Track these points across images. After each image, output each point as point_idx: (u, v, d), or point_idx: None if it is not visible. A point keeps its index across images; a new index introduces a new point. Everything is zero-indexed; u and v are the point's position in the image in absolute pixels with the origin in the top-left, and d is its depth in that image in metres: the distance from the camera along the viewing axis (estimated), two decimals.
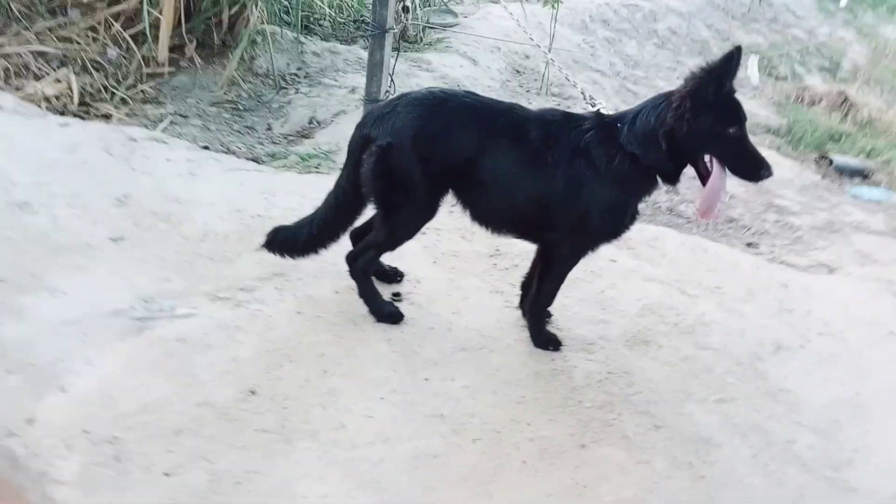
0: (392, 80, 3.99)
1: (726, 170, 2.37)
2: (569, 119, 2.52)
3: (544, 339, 2.73)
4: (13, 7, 4.55)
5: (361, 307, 2.68)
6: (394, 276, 2.90)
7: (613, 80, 7.69)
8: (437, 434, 2.23)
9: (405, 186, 2.49)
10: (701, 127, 2.30)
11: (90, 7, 4.79)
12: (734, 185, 5.95)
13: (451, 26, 6.77)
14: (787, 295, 3.64)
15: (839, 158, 6.63)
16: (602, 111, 2.55)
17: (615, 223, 2.53)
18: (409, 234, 2.62)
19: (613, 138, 2.41)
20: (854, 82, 10.06)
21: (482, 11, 7.60)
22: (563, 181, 2.44)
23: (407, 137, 2.44)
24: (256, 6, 4.89)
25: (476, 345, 2.65)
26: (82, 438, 1.94)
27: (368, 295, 2.67)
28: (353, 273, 2.66)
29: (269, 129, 4.68)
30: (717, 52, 9.84)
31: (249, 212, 3.13)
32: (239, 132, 4.57)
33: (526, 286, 2.79)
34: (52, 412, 2.01)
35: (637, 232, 3.95)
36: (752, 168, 2.38)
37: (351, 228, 2.71)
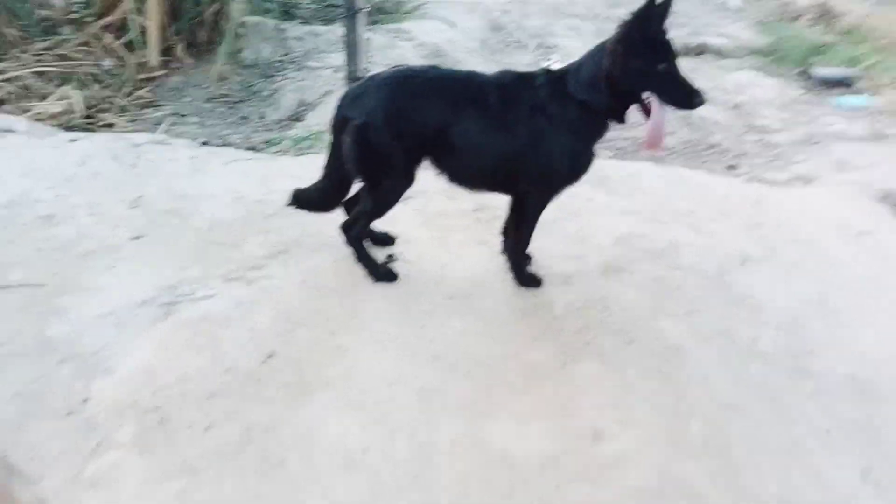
0: (370, 56, 4.24)
1: (663, 104, 2.60)
2: (522, 78, 2.77)
3: (526, 279, 3.03)
4: (8, 34, 4.85)
5: (359, 272, 2.99)
6: (387, 240, 3.21)
7: (591, 24, 7.82)
8: (435, 372, 2.56)
9: (383, 160, 2.76)
10: (633, 67, 2.54)
11: (81, 23, 5.08)
12: (714, 112, 6.19)
13: None
14: (759, 210, 3.89)
15: (821, 70, 6.78)
16: (551, 67, 2.79)
17: (575, 167, 2.79)
18: (393, 201, 2.90)
19: (563, 91, 2.67)
20: None
21: None
22: (524, 136, 2.70)
23: (380, 115, 2.69)
24: (236, 1, 5.13)
25: (465, 292, 2.96)
26: (131, 410, 2.29)
27: (364, 259, 2.99)
28: (349, 241, 2.98)
29: (262, 117, 4.96)
30: None
31: (251, 198, 3.44)
32: (234, 124, 4.86)
33: (505, 232, 3.08)
34: (102, 392, 2.36)
35: (615, 170, 4.24)
36: (685, 97, 2.58)
37: (346, 196, 3.01)
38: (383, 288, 2.95)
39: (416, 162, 2.84)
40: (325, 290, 2.91)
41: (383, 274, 3.00)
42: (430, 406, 2.42)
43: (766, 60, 7.27)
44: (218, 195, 3.42)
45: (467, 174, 2.87)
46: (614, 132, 5.32)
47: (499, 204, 3.55)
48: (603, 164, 4.22)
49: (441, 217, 3.42)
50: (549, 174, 2.78)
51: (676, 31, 8.20)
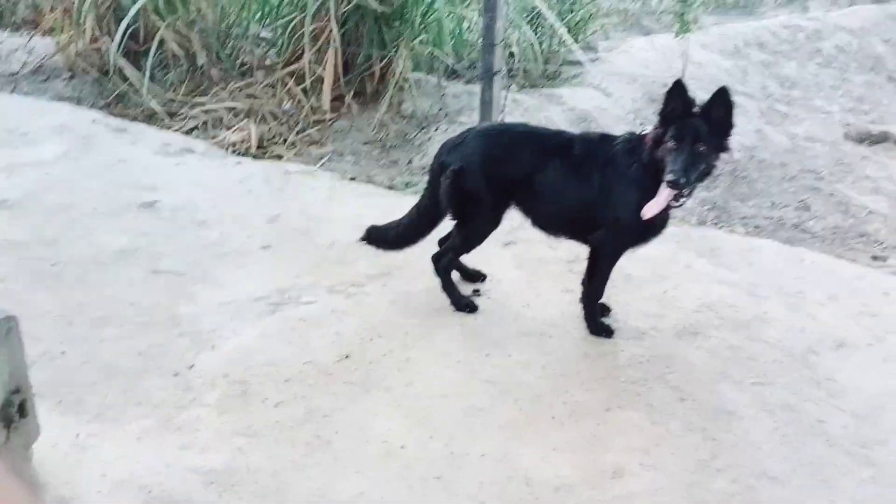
0: (503, 117, 4.61)
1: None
2: (604, 138, 3.06)
3: (597, 328, 3.19)
4: (213, 73, 5.76)
5: (444, 300, 3.30)
6: (476, 276, 3.50)
7: (761, 103, 7.73)
8: (487, 394, 2.78)
9: (475, 202, 3.12)
10: (655, 138, 2.80)
11: (271, 69, 5.91)
12: (875, 200, 5.93)
13: (591, 61, 7.25)
14: (881, 301, 3.73)
15: None
16: (635, 132, 3.04)
17: (641, 222, 2.92)
18: (479, 240, 3.23)
19: (635, 151, 2.90)
20: None
21: (624, 45, 7.99)
22: (597, 186, 2.97)
23: (475, 162, 3.07)
24: (402, 59, 5.72)
25: (537, 331, 3.17)
26: (222, 379, 2.74)
27: (448, 289, 3.30)
28: (437, 271, 3.31)
29: (410, 162, 5.46)
30: (894, 66, 9.48)
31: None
32: (384, 166, 5.38)
33: (584, 282, 3.21)
34: (205, 362, 2.83)
35: (731, 243, 4.24)
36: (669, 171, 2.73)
37: (427, 235, 3.33)
38: (463, 317, 3.22)
39: (505, 206, 3.16)
40: (410, 310, 3.24)
41: (464, 304, 3.29)
42: (472, 421, 2.64)
43: None
44: (343, 220, 3.89)
45: (547, 219, 3.16)
46: (752, 209, 5.31)
47: None
48: (717, 235, 4.27)
49: (536, 263, 3.65)
50: (617, 225, 2.98)
51: (859, 116, 7.89)
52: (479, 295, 3.38)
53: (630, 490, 2.36)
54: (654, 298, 3.41)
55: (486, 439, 2.56)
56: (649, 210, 2.80)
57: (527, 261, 3.68)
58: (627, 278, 3.57)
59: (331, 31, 5.44)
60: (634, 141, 2.93)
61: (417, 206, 3.31)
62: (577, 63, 7.18)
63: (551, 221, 3.17)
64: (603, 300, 3.27)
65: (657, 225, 2.98)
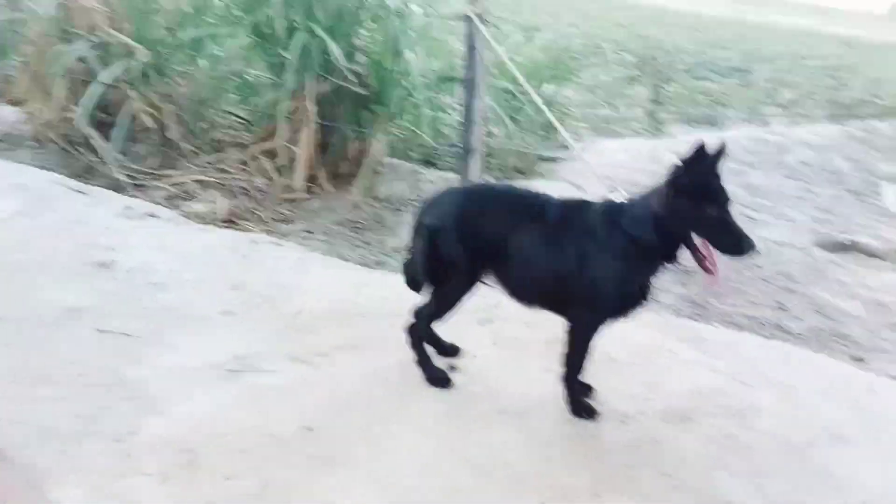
0: None
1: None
2: (583, 204, 2.88)
3: (578, 408, 2.96)
4: (184, 147, 5.63)
5: (418, 375, 3.06)
6: (452, 350, 3.27)
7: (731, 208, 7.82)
8: (468, 474, 2.51)
9: (449, 262, 2.91)
10: (681, 209, 2.57)
11: (243, 145, 5.80)
12: (853, 305, 5.90)
13: (562, 160, 7.32)
14: (871, 399, 3.58)
15: None
16: (614, 199, 2.86)
17: (620, 295, 2.78)
18: (453, 303, 2.99)
19: (616, 221, 2.72)
20: None
21: (596, 146, 8.11)
22: (573, 256, 2.76)
23: (450, 220, 2.88)
24: (378, 141, 5.67)
25: (518, 410, 2.93)
26: (167, 447, 2.43)
27: (422, 360, 3.07)
28: (410, 341, 3.07)
29: (382, 243, 5.30)
30: (856, 181, 9.76)
31: (339, 297, 3.65)
32: (356, 246, 5.21)
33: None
34: (150, 428, 2.53)
35: (714, 334, 4.10)
36: (735, 242, 2.57)
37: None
38: (438, 393, 2.98)
39: (480, 269, 2.95)
40: (382, 383, 2.99)
41: (438, 378, 3.05)
42: (453, 502, 2.36)
43: None
44: (311, 290, 3.67)
45: (521, 287, 2.94)
46: (730, 307, 5.19)
47: None
48: (698, 325, 4.12)
49: (513, 341, 3.44)
50: (594, 298, 2.78)
51: (825, 226, 7.96)
52: (455, 370, 3.15)
53: None
54: (639, 382, 3.20)
55: None
56: (713, 286, 2.62)
57: (504, 339, 3.47)
58: (610, 360, 3.37)
59: (308, 110, 5.39)
60: (612, 211, 2.77)
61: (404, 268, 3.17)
62: (551, 159, 7.25)
63: (525, 290, 2.95)
64: (587, 381, 3.05)
65: (637, 297, 2.81)
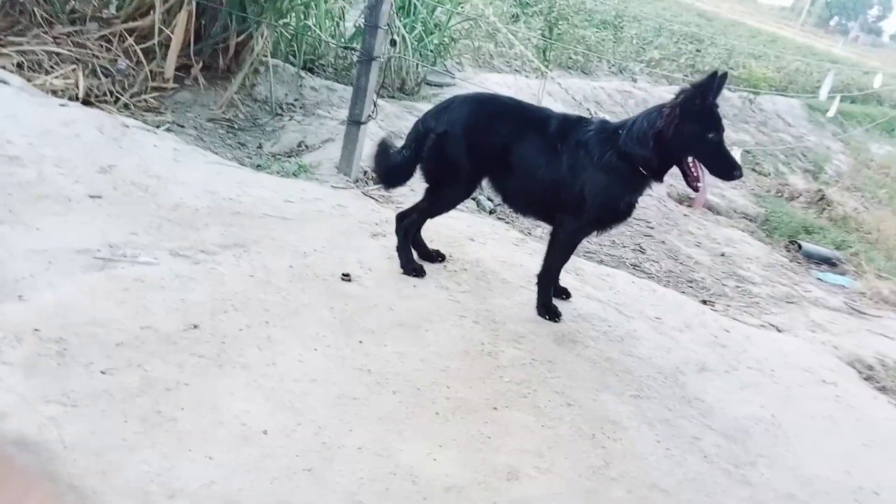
0: (375, 106, 4.30)
1: (705, 171, 2.85)
2: (580, 120, 3.01)
3: (546, 308, 3.15)
4: (37, 12, 4.93)
5: (312, 281, 2.90)
6: (436, 256, 3.39)
7: None
8: (361, 383, 2.41)
9: (453, 167, 3.01)
10: (686, 131, 2.75)
11: (107, 21, 5.17)
12: (700, 253, 6.29)
13: (448, 85, 7.18)
14: (726, 335, 3.84)
15: (809, 246, 6.95)
16: (605, 119, 3.07)
17: (607, 207, 2.95)
18: (449, 206, 3.20)
19: (611, 138, 2.87)
20: (833, 185, 10.54)
21: (479, 77, 8.04)
22: (566, 166, 2.91)
23: (459, 126, 2.97)
24: (262, 37, 5.25)
25: (414, 323, 2.85)
26: (32, 335, 2.13)
27: (403, 249, 3.20)
28: (398, 229, 3.16)
29: (260, 147, 4.97)
30: None
31: (222, 195, 3.37)
32: (231, 146, 4.86)
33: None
34: (8, 314, 2.20)
35: (592, 268, 4.21)
36: (727, 168, 2.83)
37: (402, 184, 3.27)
38: (332, 300, 2.83)
39: (479, 177, 3.09)
40: (272, 287, 2.79)
41: (413, 268, 3.17)
42: (346, 410, 2.26)
43: (756, 227, 7.47)
44: (190, 184, 3.36)
45: (517, 194, 3.11)
46: (595, 246, 5.37)
47: (467, 259, 3.51)
48: (578, 261, 4.21)
49: None
50: (582, 209, 2.92)
51: (677, 180, 8.49)
52: (349, 280, 3.01)
53: (528, 494, 2.08)
54: (530, 304, 3.22)
55: (363, 431, 2.19)
56: (703, 199, 2.82)
57: (397, 253, 3.36)
58: (502, 282, 3.37)
59: None
60: (609, 129, 2.92)
61: (401, 155, 3.16)
62: (437, 85, 7.10)
63: (521, 198, 3.12)
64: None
65: (622, 213, 3.00)
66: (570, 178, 2.91)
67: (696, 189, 2.91)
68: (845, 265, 6.94)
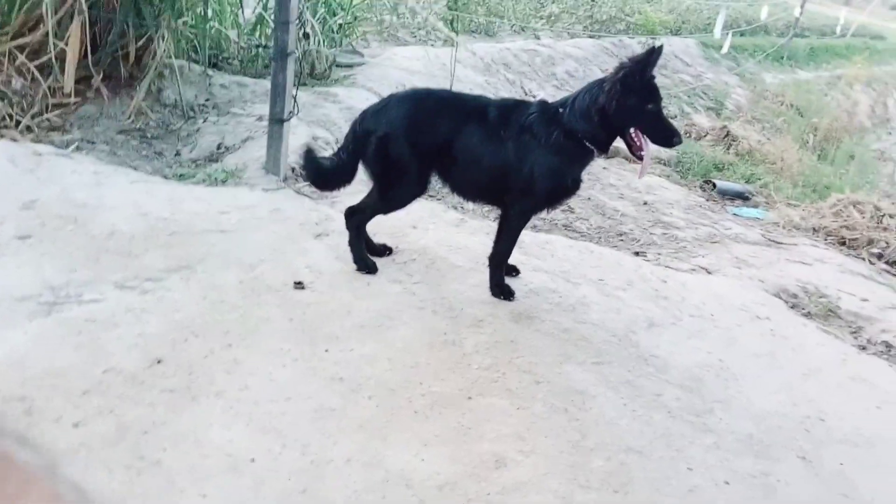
0: (296, 101, 4.22)
1: (647, 140, 2.97)
2: (519, 104, 3.09)
3: (500, 289, 3.22)
4: None
5: (264, 293, 2.87)
6: (383, 250, 3.41)
7: None
8: (335, 393, 2.42)
9: (399, 167, 3.02)
10: (627, 104, 2.88)
11: None
12: (624, 205, 6.48)
13: (357, 65, 7.08)
14: (665, 287, 4.00)
15: (722, 183, 7.25)
16: (544, 100, 3.13)
17: (555, 186, 3.05)
18: (402, 205, 3.21)
19: (554, 118, 2.96)
20: (736, 120, 10.98)
21: (388, 53, 7.95)
22: (513, 151, 2.97)
23: (399, 126, 2.98)
24: (163, 40, 5.05)
25: (375, 323, 2.86)
26: None
27: (355, 246, 3.21)
28: (348, 225, 3.17)
29: (178, 154, 4.81)
30: None
31: (155, 215, 3.27)
32: (147, 157, 4.68)
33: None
34: None
35: (530, 237, 4.30)
36: (667, 136, 2.99)
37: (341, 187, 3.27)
38: (289, 310, 2.82)
39: (428, 171, 3.10)
40: (226, 306, 2.75)
41: (366, 265, 3.20)
42: (326, 423, 2.27)
43: (671, 170, 7.73)
44: (120, 208, 3.25)
45: (466, 183, 3.14)
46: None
47: (415, 248, 3.53)
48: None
49: None
50: (530, 187, 3.00)
51: None
52: (302, 288, 2.99)
53: (517, 479, 2.16)
54: (483, 286, 3.28)
55: (347, 442, 2.21)
56: (647, 167, 3.13)
57: (345, 252, 3.34)
58: (452, 267, 3.42)
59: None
60: (547, 108, 3.01)
61: (338, 159, 3.16)
62: (347, 66, 7.00)
63: (468, 186, 3.16)
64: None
65: (570, 188, 3.09)
66: (518, 162, 2.98)
67: (640, 158, 3.02)
68: (757, 198, 7.30)
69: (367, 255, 3.23)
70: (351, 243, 3.21)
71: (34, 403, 2.05)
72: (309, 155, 3.20)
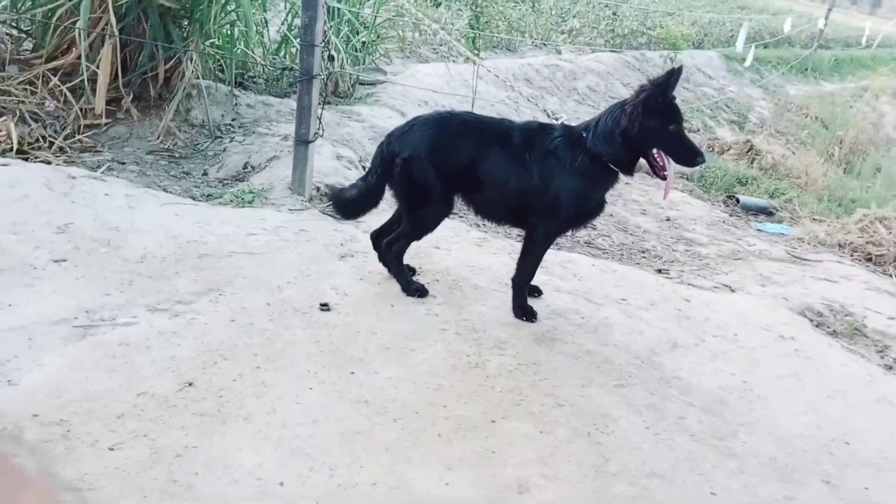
0: (320, 122, 4.30)
1: (670, 160, 3.03)
2: (542, 128, 3.13)
3: (523, 311, 3.25)
4: None
5: (291, 315, 2.92)
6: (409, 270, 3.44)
7: None
8: (362, 416, 2.46)
9: (424, 189, 3.08)
10: (649, 126, 2.94)
11: (28, 63, 5.01)
12: (647, 221, 6.48)
13: (380, 83, 7.16)
14: (688, 306, 4.01)
15: (745, 198, 7.23)
16: (566, 123, 3.18)
17: (580, 208, 3.12)
18: (432, 226, 3.25)
19: (578, 142, 3.02)
20: (760, 133, 10.93)
21: (410, 70, 8.05)
22: (538, 175, 3.03)
23: (423, 149, 3.04)
24: (192, 62, 5.16)
25: (399, 345, 2.91)
26: (32, 422, 2.12)
27: (400, 274, 3.30)
28: (389, 257, 3.25)
29: (205, 174, 4.91)
30: None
31: (185, 238, 3.35)
32: (175, 177, 4.79)
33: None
34: (3, 403, 2.17)
35: (552, 256, 4.33)
36: (690, 156, 3.04)
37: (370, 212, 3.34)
38: (315, 332, 2.87)
39: (453, 193, 3.16)
40: (255, 328, 2.81)
41: (416, 289, 3.25)
42: (353, 446, 2.31)
43: (694, 185, 7.72)
44: (151, 231, 3.33)
45: (490, 207, 3.20)
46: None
47: (438, 269, 3.58)
48: None
49: (379, 276, 3.39)
50: (556, 211, 3.06)
51: None
52: (328, 310, 3.04)
53: None
54: (505, 307, 3.31)
55: (373, 465, 2.25)
56: (670, 188, 3.11)
57: (370, 274, 3.41)
58: (475, 288, 3.45)
59: (108, 22, 4.74)
60: (571, 132, 3.07)
61: (364, 183, 3.25)
62: (370, 84, 7.08)
63: (493, 208, 3.22)
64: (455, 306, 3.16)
65: (595, 210, 3.16)
66: (543, 186, 3.03)
67: (663, 178, 3.07)
68: (781, 213, 7.26)
69: (413, 280, 3.32)
70: (396, 274, 3.30)
71: (72, 428, 2.12)
72: (334, 194, 3.32)
